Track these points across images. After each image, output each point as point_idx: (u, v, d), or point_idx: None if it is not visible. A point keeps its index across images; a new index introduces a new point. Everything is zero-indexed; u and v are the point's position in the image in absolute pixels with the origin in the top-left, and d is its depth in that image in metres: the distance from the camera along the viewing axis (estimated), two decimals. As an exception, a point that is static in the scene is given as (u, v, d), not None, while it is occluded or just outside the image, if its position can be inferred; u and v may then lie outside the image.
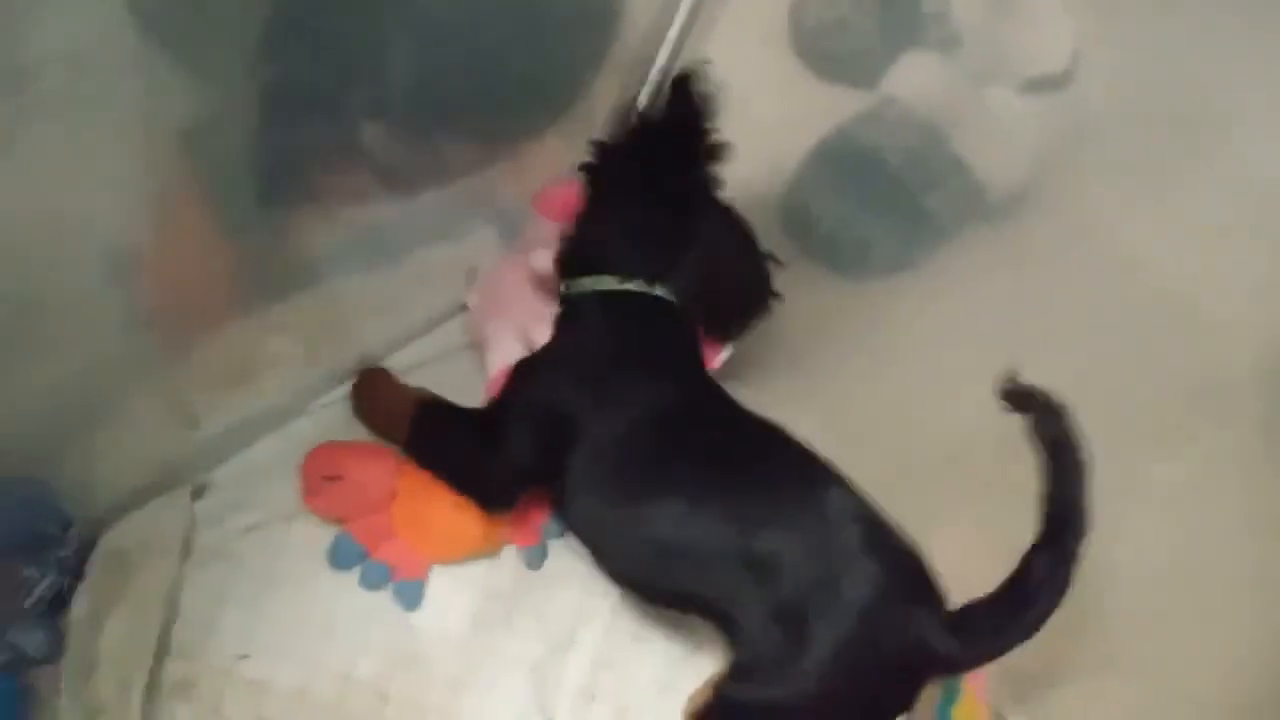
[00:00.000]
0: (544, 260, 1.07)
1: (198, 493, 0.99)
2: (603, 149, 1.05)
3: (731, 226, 1.06)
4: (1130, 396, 0.92)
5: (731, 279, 1.06)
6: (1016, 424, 0.98)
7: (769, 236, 1.15)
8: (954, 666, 0.87)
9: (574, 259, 1.04)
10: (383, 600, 0.98)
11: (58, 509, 0.89)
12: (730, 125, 1.11)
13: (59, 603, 0.88)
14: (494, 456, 0.96)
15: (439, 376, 1.11)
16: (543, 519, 1.04)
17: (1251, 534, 0.90)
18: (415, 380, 1.08)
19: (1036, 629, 0.79)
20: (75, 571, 0.89)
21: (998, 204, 1.01)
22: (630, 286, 1.00)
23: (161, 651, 0.89)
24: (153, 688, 0.88)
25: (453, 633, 0.98)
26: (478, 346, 1.14)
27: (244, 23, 0.69)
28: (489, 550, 1.01)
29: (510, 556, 1.04)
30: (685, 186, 1.03)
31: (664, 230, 1.02)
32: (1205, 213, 0.86)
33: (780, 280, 1.09)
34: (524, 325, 1.08)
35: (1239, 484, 0.91)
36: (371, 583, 0.98)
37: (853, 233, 1.13)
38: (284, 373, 1.03)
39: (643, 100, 1.19)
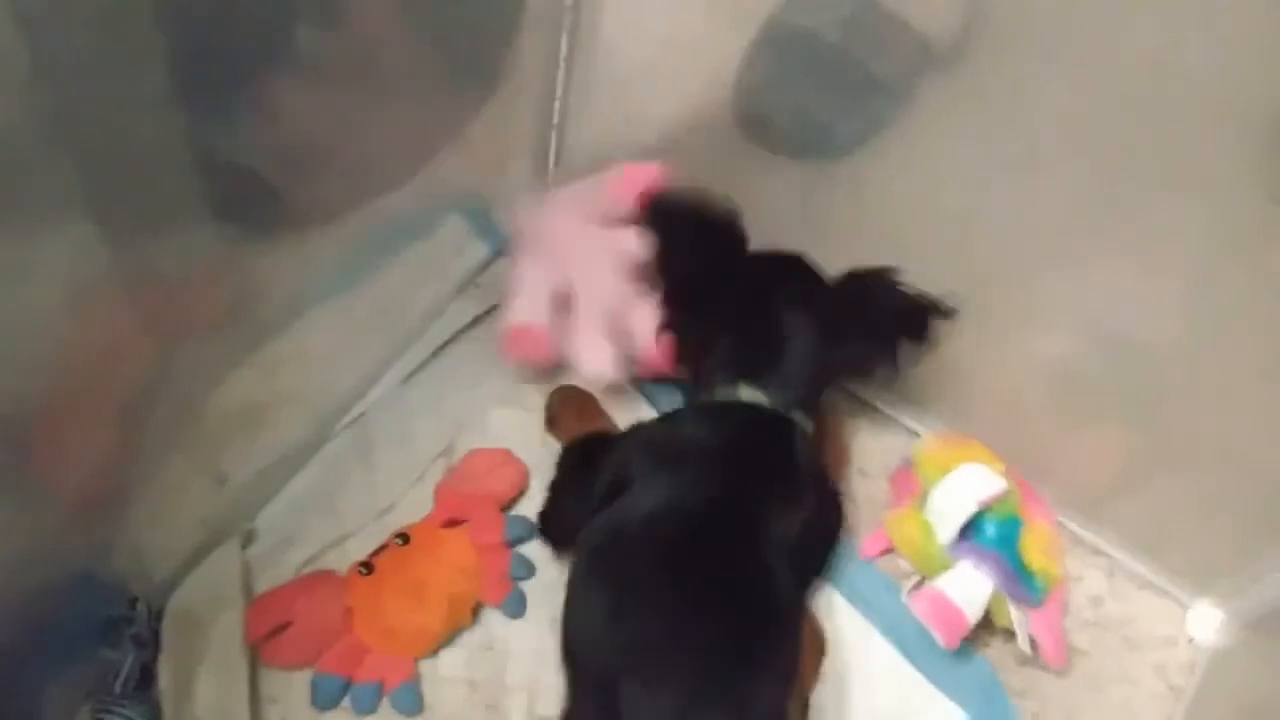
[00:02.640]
0: (635, 243, 1.06)
1: (247, 541, 1.01)
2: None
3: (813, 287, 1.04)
4: (1126, 197, 0.89)
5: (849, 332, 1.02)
6: (1023, 270, 0.96)
7: (730, 145, 1.14)
8: None
9: (718, 366, 1.01)
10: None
11: (120, 589, 0.91)
12: (660, 48, 1.09)
13: (147, 677, 0.90)
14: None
15: (443, 369, 1.15)
16: (505, 566, 1.01)
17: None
18: (424, 373, 1.13)
19: None
20: (153, 643, 0.91)
21: (946, 51, 0.99)
22: (758, 398, 0.98)
23: (255, 700, 0.92)
24: (257, 736, 0.90)
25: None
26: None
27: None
28: (463, 622, 0.98)
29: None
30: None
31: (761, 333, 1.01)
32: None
33: (754, 183, 1.07)
34: (563, 279, 1.10)
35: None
36: (364, 707, 0.93)
37: (810, 119, 1.11)
38: (298, 406, 1.04)
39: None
